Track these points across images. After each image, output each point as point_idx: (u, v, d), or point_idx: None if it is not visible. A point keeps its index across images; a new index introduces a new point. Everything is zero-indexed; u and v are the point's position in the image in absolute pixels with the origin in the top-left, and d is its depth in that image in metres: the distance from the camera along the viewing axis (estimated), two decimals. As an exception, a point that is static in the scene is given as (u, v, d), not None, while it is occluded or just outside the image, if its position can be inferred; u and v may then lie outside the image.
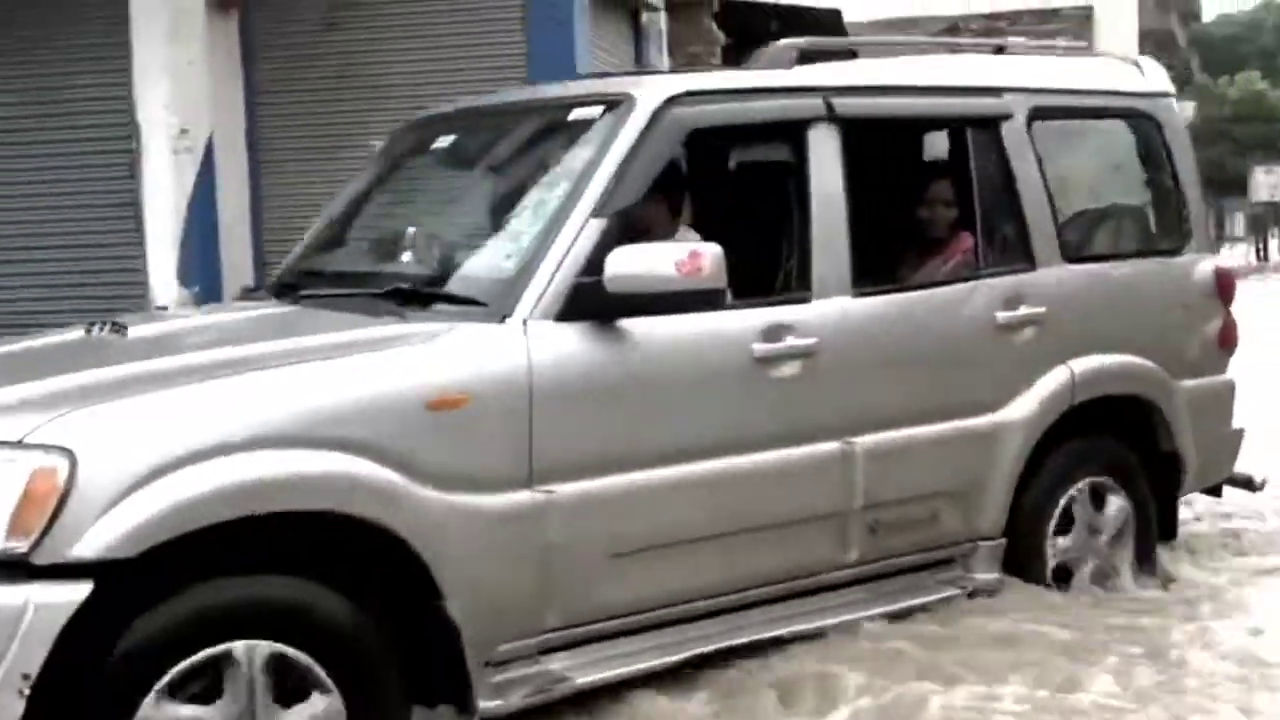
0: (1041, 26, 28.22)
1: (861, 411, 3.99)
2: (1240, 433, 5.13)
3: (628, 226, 3.64)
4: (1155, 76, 5.05)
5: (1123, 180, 5.16)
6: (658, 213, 4.14)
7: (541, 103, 4.40)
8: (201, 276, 7.12)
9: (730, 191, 4.86)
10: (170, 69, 7.04)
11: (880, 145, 4.53)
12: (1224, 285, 4.99)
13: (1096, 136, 5.09)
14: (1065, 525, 4.54)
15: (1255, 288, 21.91)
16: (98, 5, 7.27)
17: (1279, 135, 33.69)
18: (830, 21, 12.80)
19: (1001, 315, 4.34)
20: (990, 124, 4.47)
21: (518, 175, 4.17)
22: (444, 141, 4.51)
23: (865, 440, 3.98)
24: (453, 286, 3.67)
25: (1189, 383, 4.83)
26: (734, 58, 12.15)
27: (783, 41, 4.39)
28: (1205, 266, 4.97)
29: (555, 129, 4.05)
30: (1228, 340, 5.01)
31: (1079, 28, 30.07)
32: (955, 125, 4.57)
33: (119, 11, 7.09)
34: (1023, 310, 4.38)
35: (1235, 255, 32.77)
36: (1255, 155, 32.02)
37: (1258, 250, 31.77)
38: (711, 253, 3.46)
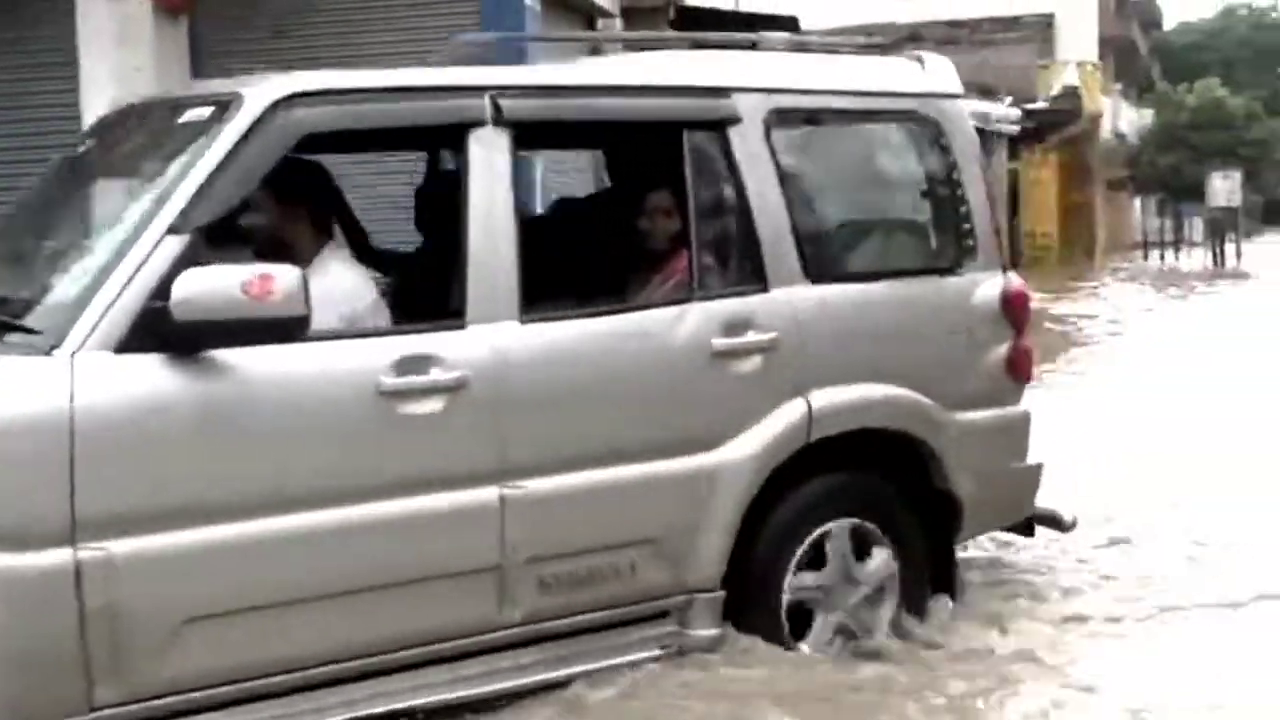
0: (1004, 34, 28.48)
1: (528, 453, 3.52)
2: (1038, 468, 4.60)
3: (227, 244, 3.27)
4: (939, 75, 4.54)
5: (894, 191, 4.60)
6: (297, 230, 3.77)
7: (164, 103, 3.93)
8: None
9: (380, 204, 4.51)
10: (118, 75, 7.03)
11: (583, 152, 4.29)
12: (1014, 307, 4.44)
13: (863, 142, 4.52)
14: (808, 575, 4.02)
15: (1204, 302, 22.19)
16: (45, 11, 7.26)
17: (1237, 142, 34.04)
18: (788, 27, 12.88)
19: (720, 342, 3.83)
20: (713, 128, 3.96)
21: (121, 185, 3.71)
22: (78, 148, 4.18)
23: (531, 485, 3.51)
24: (8, 312, 3.22)
25: (968, 415, 4.29)
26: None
27: (465, 36, 4.14)
28: (990, 287, 4.39)
29: (166, 132, 3.62)
30: (1019, 368, 4.45)
31: (1040, 35, 30.39)
32: (668, 129, 3.98)
33: (66, 18, 7.09)
34: (749, 337, 3.87)
35: (1193, 260, 33.17)
36: (1213, 162, 32.34)
37: (1215, 255, 32.10)
38: (286, 276, 3.04)
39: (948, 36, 26.13)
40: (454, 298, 3.53)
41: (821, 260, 4.10)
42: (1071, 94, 23.51)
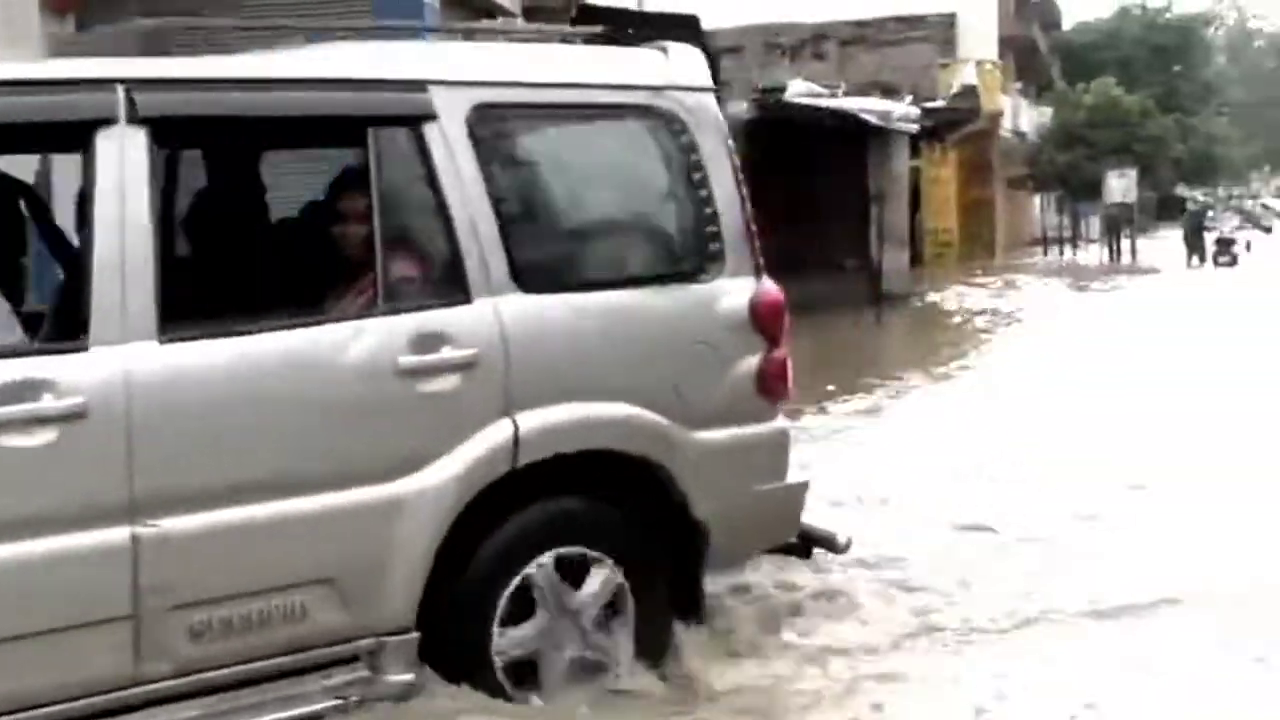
0: (907, 34, 28.85)
1: (165, 488, 3.17)
2: (801, 487, 4.31)
3: None
4: (684, 67, 4.16)
5: (627, 192, 4.20)
6: None
7: None
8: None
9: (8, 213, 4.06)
10: (3, 74, 6.88)
11: (256, 152, 3.99)
12: (765, 316, 4.09)
13: (590, 139, 4.16)
14: (523, 611, 3.68)
15: (1103, 298, 22.73)
16: (-73, 7, 7.06)
17: (1132, 139, 34.85)
18: (688, 27, 12.94)
19: (408, 360, 3.50)
20: (405, 124, 3.65)
21: None
22: None
23: (170, 524, 3.16)
24: None
25: (713, 435, 3.97)
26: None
27: (144, 22, 3.79)
28: (738, 294, 4.05)
29: None
30: (772, 383, 4.10)
31: (942, 35, 30.84)
32: (353, 126, 3.65)
33: (-49, 16, 6.90)
34: (443, 353, 3.54)
35: (1091, 255, 33.95)
36: (1110, 159, 33.12)
37: (1111, 250, 32.85)
38: None
39: (852, 36, 26.46)
40: (78, 315, 3.18)
41: (537, 269, 3.77)
42: (970, 93, 23.94)
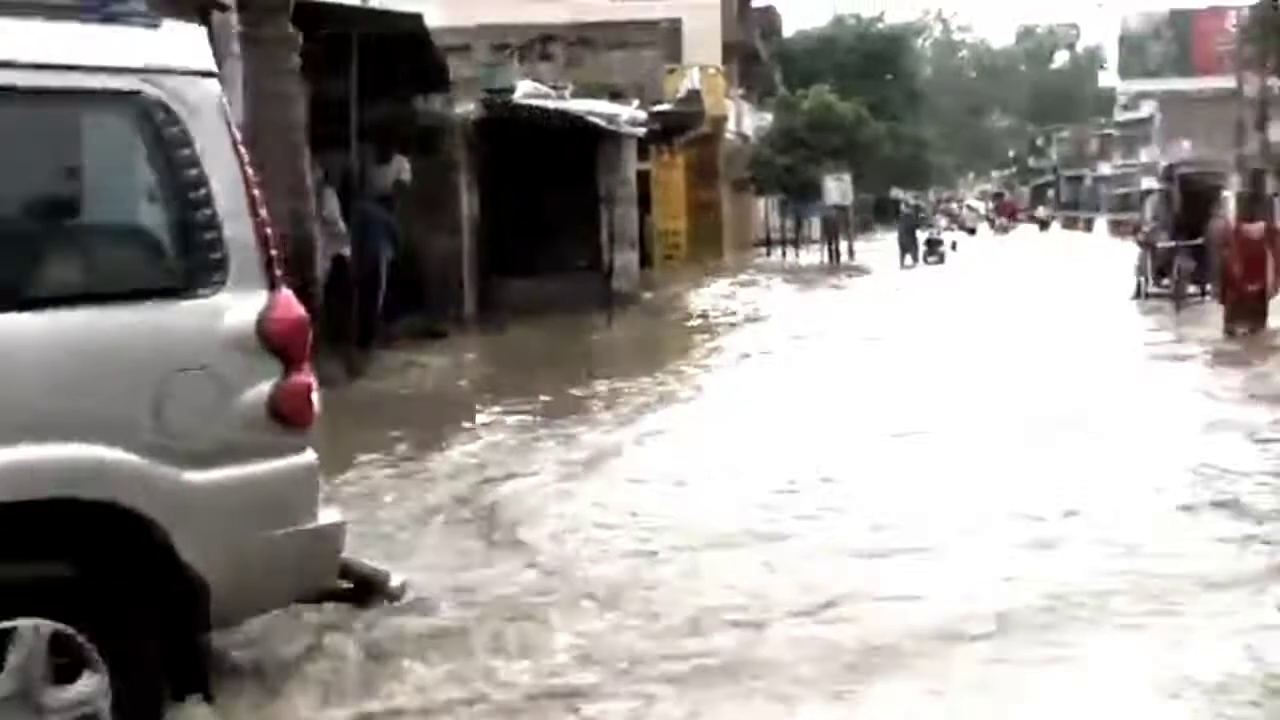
0: (634, 38, 29.25)
1: None
2: (336, 528, 3.78)
3: None
4: (178, 47, 3.60)
5: (98, 194, 3.65)
6: None
7: None
8: None
9: None
10: None
11: None
12: (278, 335, 3.54)
13: (56, 130, 3.54)
14: None
15: (823, 295, 23.75)
16: None
17: (847, 144, 36.37)
18: (411, 25, 12.79)
19: None
20: None
21: None
22: None
23: None
24: None
25: (212, 474, 3.42)
26: (319, 60, 11.93)
27: None
28: (243, 311, 3.50)
29: None
30: (291, 411, 3.55)
31: (668, 40, 31.42)
32: None
33: None
34: None
35: (812, 256, 35.33)
36: (827, 163, 34.51)
37: (830, 251, 34.26)
38: None
39: (579, 38, 26.63)
40: None
41: None
42: (695, 97, 24.53)
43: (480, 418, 9.75)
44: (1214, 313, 15.01)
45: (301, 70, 11.21)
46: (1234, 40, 51.53)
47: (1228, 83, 49.44)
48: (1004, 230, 55.86)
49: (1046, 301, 19.21)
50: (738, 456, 7.89)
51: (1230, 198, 17.79)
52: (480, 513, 6.56)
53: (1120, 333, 15.23)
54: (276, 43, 11.09)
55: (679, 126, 23.63)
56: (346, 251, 12.61)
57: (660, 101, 23.06)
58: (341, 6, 11.74)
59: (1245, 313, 13.74)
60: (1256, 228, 13.92)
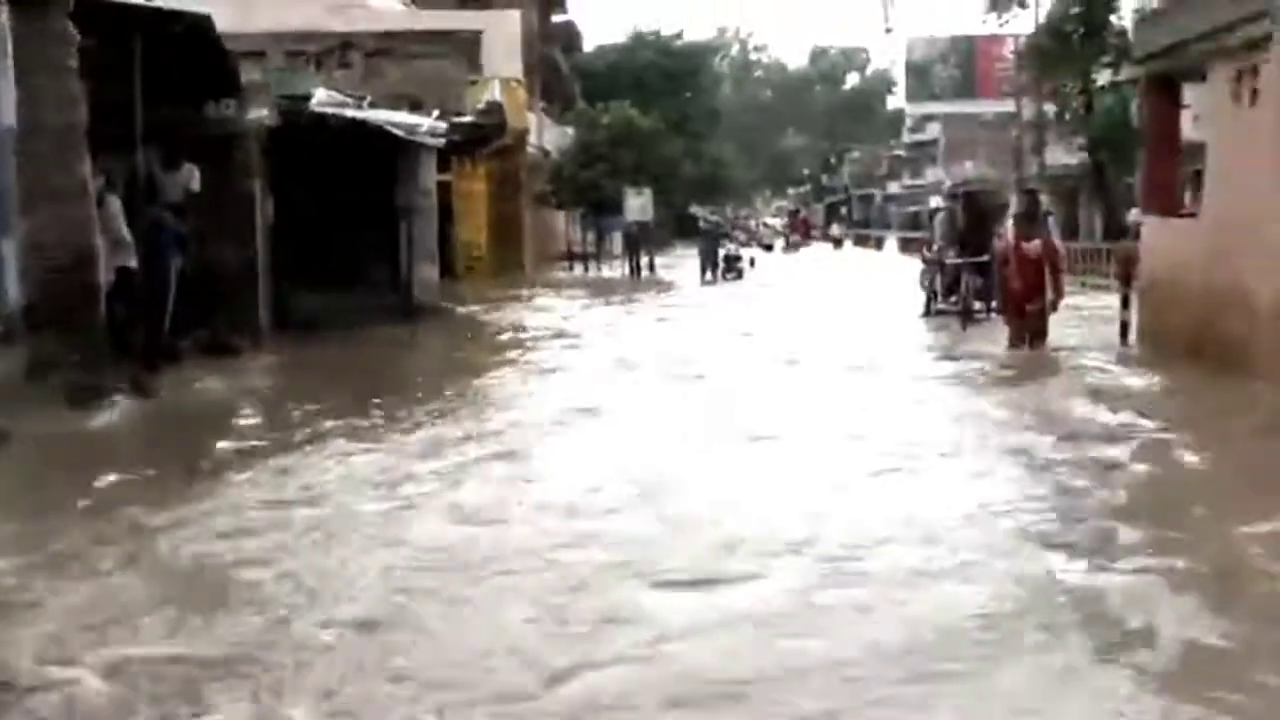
0: (435, 48, 28.89)
1: None
2: None
3: None
4: None
5: None
6: None
7: None
8: None
9: None
10: None
11: None
12: None
13: None
14: None
15: (631, 309, 23.83)
16: None
17: (648, 159, 36.79)
18: (200, 26, 12.28)
19: None
20: None
21: None
22: None
23: None
24: None
25: None
26: (100, 60, 11.35)
27: None
28: None
29: None
30: None
31: (469, 51, 31.13)
32: None
33: None
34: None
35: (614, 271, 35.52)
36: (628, 178, 34.81)
37: (632, 266, 34.51)
38: None
39: (378, 47, 26.14)
40: None
41: None
42: (496, 109, 24.28)
43: (257, 441, 9.16)
44: (1000, 329, 15.43)
45: (81, 71, 10.65)
46: (1012, 66, 54.18)
47: (1008, 107, 51.93)
48: (795, 247, 56.80)
49: (841, 317, 19.75)
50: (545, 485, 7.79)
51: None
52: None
53: (910, 350, 15.50)
54: (52, 40, 10.52)
55: (480, 138, 23.38)
56: (133, 263, 12.00)
57: (461, 113, 22.75)
58: (124, 4, 11.18)
59: (1027, 330, 14.08)
60: (1034, 246, 14.07)
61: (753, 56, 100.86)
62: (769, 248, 53.10)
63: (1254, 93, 11.21)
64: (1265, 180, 10.85)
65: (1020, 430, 9.33)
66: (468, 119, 22.01)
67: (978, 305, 17.81)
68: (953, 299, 18.48)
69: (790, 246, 57.18)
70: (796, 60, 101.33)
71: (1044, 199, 17.97)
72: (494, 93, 27.72)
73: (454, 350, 16.52)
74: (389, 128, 17.38)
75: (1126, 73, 41.07)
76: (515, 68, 35.03)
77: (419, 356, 15.77)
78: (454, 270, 31.07)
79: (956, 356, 14.46)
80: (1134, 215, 23.70)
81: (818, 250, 57.30)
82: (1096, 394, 10.78)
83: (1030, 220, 14.45)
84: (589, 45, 60.93)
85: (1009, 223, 14.70)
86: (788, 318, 20.33)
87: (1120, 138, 40.87)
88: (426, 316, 18.14)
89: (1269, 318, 10.71)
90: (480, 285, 28.47)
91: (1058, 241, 15.12)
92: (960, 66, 67.38)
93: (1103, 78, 41.98)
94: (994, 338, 15.30)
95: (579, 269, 37.07)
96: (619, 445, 9.06)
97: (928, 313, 19.35)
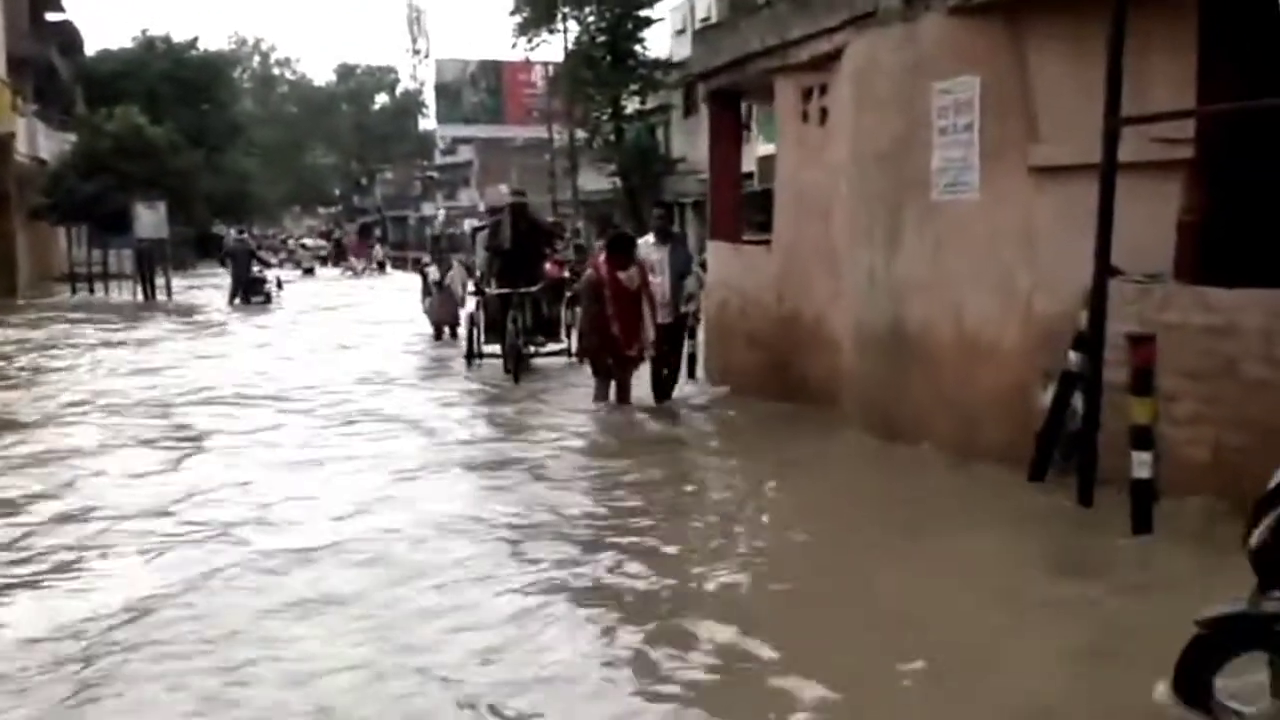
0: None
1: None
2: None
3: None
4: None
5: None
6: None
7: None
8: None
9: None
10: None
11: None
12: None
13: None
14: None
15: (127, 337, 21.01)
16: None
17: (162, 171, 33.44)
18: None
19: None
20: None
21: None
22: None
23: None
24: None
25: None
26: None
27: None
28: None
29: None
30: None
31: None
32: None
33: None
34: None
35: (125, 293, 31.91)
36: (139, 191, 31.41)
37: (145, 288, 31.15)
38: None
39: None
40: None
41: None
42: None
43: None
44: (562, 377, 13.83)
45: None
46: (542, 92, 54.64)
47: (540, 132, 52.27)
48: (362, 273, 49.23)
49: (369, 362, 16.37)
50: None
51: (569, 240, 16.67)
52: None
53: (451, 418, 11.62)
54: None
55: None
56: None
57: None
58: None
59: (615, 379, 11.55)
60: (631, 275, 11.26)
61: (275, 70, 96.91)
62: (310, 270, 49.01)
63: (823, 111, 10.69)
64: (840, 204, 10.28)
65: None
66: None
67: (530, 348, 14.74)
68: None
69: (358, 271, 49.30)
70: (323, 76, 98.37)
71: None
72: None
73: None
74: None
75: (653, 100, 42.32)
76: (-1, 64, 30.80)
77: None
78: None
79: (521, 432, 10.72)
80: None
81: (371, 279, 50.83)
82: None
83: (665, 239, 12.04)
84: (91, 48, 55.71)
85: (599, 246, 12.65)
86: (306, 359, 17.14)
87: (648, 164, 42.02)
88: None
89: (847, 352, 10.13)
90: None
91: (697, 268, 12.50)
92: (490, 91, 67.49)
93: (631, 105, 42.95)
94: (561, 393, 12.66)
95: (84, 291, 32.99)
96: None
97: (471, 358, 15.27)
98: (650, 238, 12.12)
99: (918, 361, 8.94)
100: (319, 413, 11.63)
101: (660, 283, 11.69)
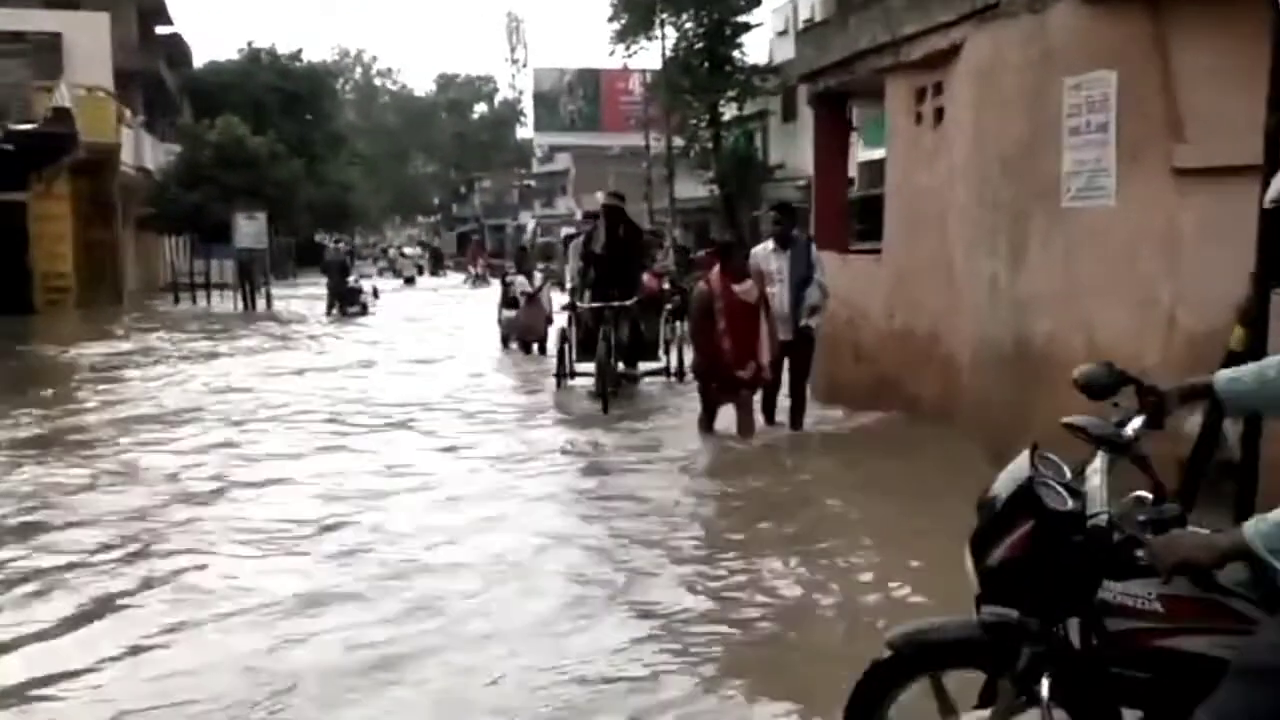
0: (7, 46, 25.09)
1: None
2: None
3: None
4: None
5: None
6: None
7: None
8: None
9: None
10: None
11: None
12: None
13: None
14: None
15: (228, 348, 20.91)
16: None
17: (262, 181, 33.68)
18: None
19: None
20: None
21: None
22: None
23: None
24: None
25: None
26: None
27: None
28: None
29: None
30: None
31: (46, 56, 27.36)
32: None
33: None
34: None
35: (226, 303, 32.13)
36: (240, 201, 31.63)
37: (245, 298, 31.32)
38: None
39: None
40: None
41: None
42: (65, 117, 20.89)
43: None
44: (674, 400, 12.48)
45: None
46: (639, 100, 54.27)
47: (637, 140, 51.90)
48: (482, 281, 46.04)
49: (451, 394, 13.76)
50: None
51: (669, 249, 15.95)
52: None
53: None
54: None
55: (50, 150, 19.97)
56: None
57: (31, 120, 19.33)
58: None
59: (735, 404, 10.19)
60: (748, 289, 9.95)
61: (377, 81, 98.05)
62: (410, 280, 48.98)
63: (937, 112, 10.06)
64: (957, 211, 9.65)
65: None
66: (26, 127, 18.61)
67: (622, 367, 13.20)
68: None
69: (475, 280, 46.58)
70: (423, 86, 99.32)
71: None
72: (62, 99, 23.72)
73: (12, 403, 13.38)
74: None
75: (751, 106, 41.69)
76: (104, 76, 31.22)
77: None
78: (31, 304, 27.11)
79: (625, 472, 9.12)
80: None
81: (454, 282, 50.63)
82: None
83: (785, 244, 10.48)
84: (200, 61, 56.63)
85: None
86: (382, 388, 15.18)
87: (746, 171, 41.38)
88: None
89: (966, 371, 9.49)
90: (66, 321, 24.82)
91: (820, 276, 10.56)
92: (587, 99, 67.37)
93: (729, 112, 42.38)
94: (661, 420, 11.36)
95: (186, 302, 33.30)
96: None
97: (562, 377, 13.77)
98: (769, 244, 10.73)
99: (1044, 381, 8.26)
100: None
101: (777, 293, 10.37)
